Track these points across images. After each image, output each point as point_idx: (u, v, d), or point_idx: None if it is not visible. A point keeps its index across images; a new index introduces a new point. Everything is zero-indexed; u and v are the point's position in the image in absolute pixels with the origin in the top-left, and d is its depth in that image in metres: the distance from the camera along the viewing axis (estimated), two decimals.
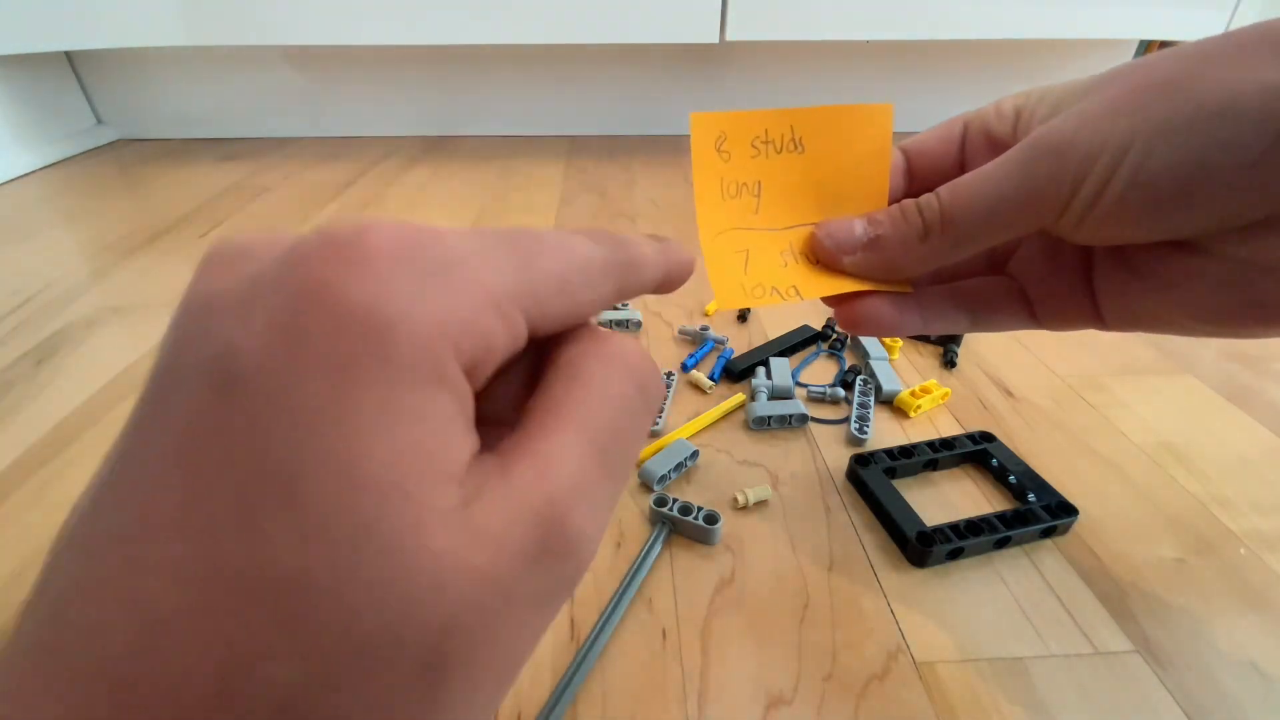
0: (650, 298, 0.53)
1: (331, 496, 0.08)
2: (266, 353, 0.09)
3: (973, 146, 0.23)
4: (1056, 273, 0.23)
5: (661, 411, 0.38)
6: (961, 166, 0.23)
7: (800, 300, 0.22)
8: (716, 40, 0.82)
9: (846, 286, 0.22)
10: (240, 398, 0.09)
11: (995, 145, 0.22)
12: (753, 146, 0.21)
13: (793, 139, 0.22)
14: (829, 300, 0.23)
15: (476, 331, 0.10)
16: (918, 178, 0.24)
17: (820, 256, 0.22)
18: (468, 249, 0.10)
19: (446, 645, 0.09)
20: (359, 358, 0.09)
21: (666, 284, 0.15)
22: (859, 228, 0.21)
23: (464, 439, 0.10)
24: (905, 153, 0.24)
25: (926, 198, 0.20)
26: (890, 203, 0.23)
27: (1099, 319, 0.22)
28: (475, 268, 0.10)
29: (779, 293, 0.21)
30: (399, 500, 0.09)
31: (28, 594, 0.09)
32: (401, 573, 0.08)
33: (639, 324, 0.48)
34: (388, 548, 0.08)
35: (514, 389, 0.13)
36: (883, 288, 0.22)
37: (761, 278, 0.22)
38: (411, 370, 0.09)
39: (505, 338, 0.11)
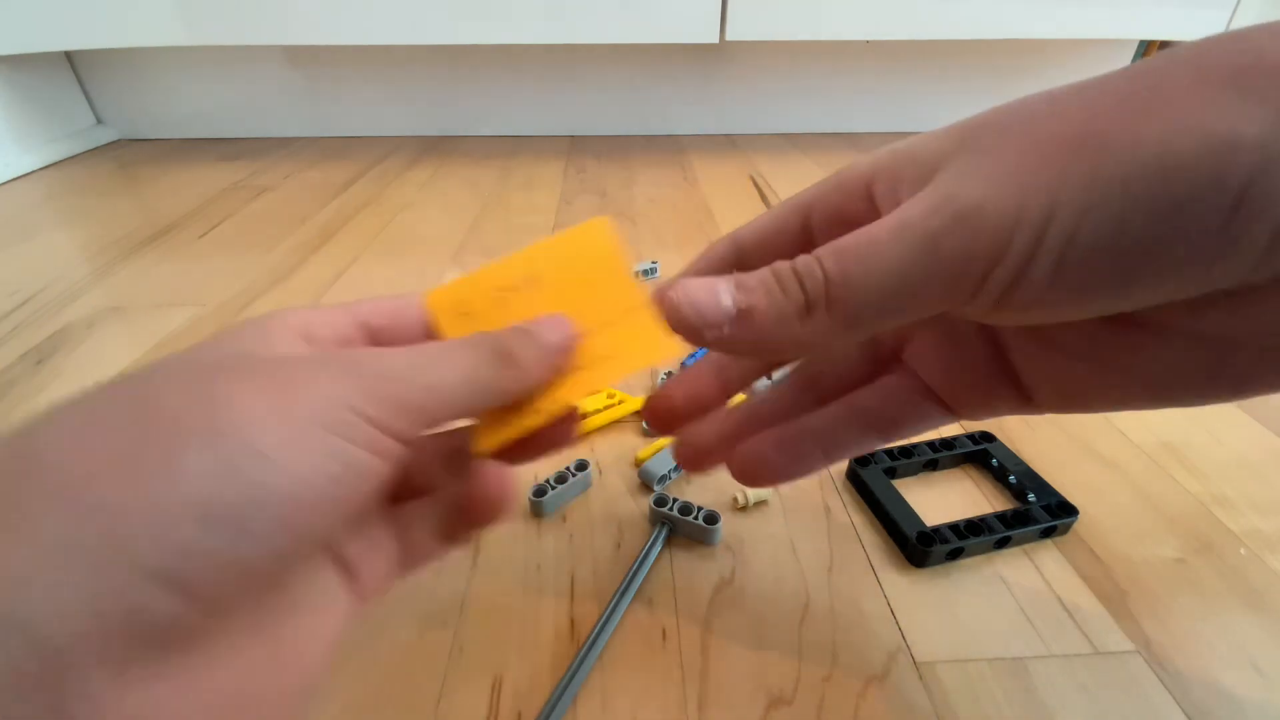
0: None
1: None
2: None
3: (825, 236, 0.18)
4: (964, 359, 0.20)
5: None
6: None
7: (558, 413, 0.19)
8: (716, 40, 0.82)
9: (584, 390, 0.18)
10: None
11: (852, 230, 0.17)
12: (494, 294, 0.20)
13: (526, 277, 0.21)
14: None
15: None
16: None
17: (676, 326, 0.17)
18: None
19: None
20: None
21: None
22: (725, 296, 0.16)
23: None
24: (737, 244, 0.20)
25: (805, 262, 0.16)
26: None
27: (1030, 403, 0.19)
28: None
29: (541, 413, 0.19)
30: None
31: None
32: None
33: None
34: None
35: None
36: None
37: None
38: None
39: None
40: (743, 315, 0.16)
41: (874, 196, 0.17)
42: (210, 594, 0.11)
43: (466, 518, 0.18)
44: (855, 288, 0.15)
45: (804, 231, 0.19)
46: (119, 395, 0.13)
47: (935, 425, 0.21)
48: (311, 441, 0.12)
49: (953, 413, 0.21)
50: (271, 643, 0.14)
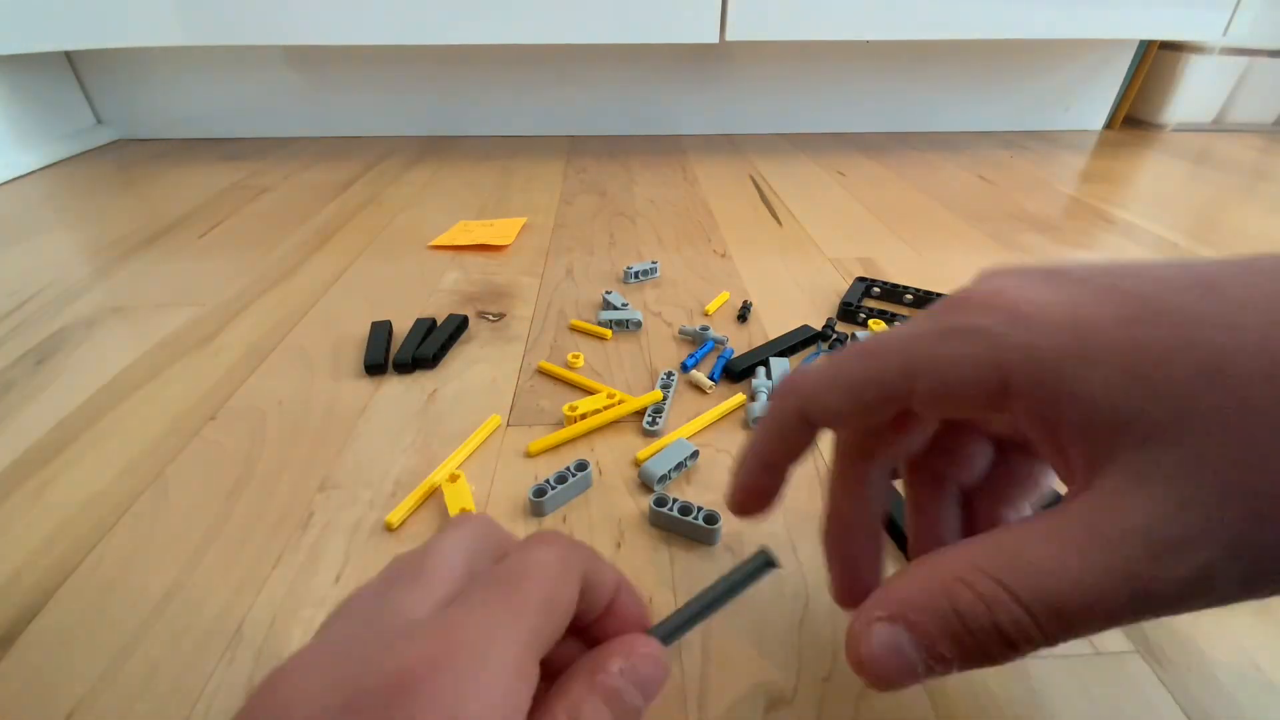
0: (650, 297, 0.53)
1: None
2: None
3: (932, 415, 0.19)
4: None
5: (661, 412, 0.38)
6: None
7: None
8: (716, 40, 0.82)
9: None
10: None
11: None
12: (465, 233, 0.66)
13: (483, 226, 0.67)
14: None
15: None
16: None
17: (868, 681, 0.17)
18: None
19: None
20: None
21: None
22: (911, 653, 0.16)
23: None
24: (808, 419, 0.19)
25: (995, 599, 0.15)
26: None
27: None
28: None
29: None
30: None
31: None
32: None
33: (639, 323, 0.48)
34: None
35: None
36: None
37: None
38: None
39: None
40: (934, 663, 0.16)
41: (1010, 405, 0.16)
42: None
43: None
44: (1063, 616, 0.15)
45: (906, 393, 0.18)
46: None
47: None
48: None
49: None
50: None
